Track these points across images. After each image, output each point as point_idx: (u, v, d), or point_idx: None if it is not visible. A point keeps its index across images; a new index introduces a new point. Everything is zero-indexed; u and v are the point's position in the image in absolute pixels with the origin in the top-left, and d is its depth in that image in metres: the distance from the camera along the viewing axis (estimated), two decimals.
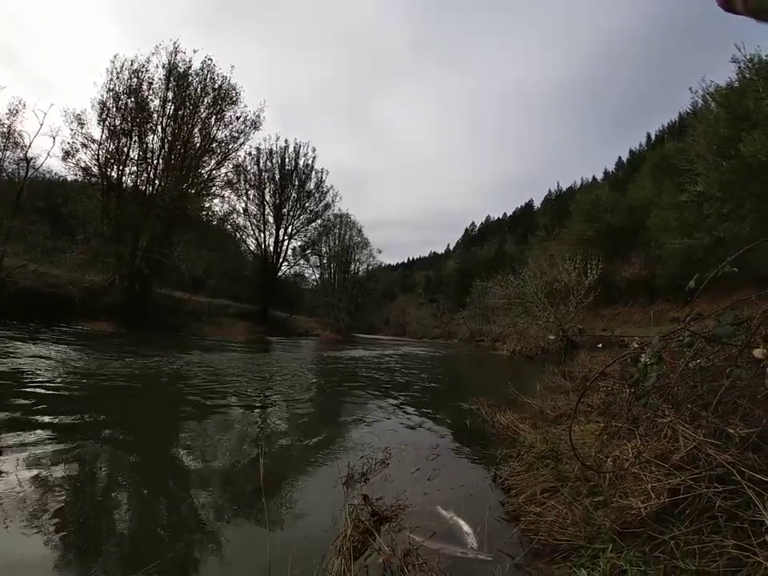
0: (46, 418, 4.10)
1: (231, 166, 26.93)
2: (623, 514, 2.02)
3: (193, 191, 24.16)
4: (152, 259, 20.92)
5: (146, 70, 22.11)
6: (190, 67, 23.05)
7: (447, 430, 4.98)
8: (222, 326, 24.72)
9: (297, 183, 36.30)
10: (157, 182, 22.74)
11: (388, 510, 2.52)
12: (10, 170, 20.42)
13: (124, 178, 22.30)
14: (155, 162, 22.69)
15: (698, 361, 2.43)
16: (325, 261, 48.44)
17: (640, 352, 2.23)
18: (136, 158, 22.35)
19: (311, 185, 36.96)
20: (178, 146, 23.03)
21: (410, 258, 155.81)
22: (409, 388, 8.72)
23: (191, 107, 23.23)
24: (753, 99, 16.13)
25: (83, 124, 21.07)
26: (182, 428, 4.42)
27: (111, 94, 21.60)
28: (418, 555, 2.01)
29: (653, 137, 68.80)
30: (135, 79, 21.85)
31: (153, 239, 21.60)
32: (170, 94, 22.77)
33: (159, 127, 22.64)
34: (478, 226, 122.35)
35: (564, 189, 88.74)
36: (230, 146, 25.44)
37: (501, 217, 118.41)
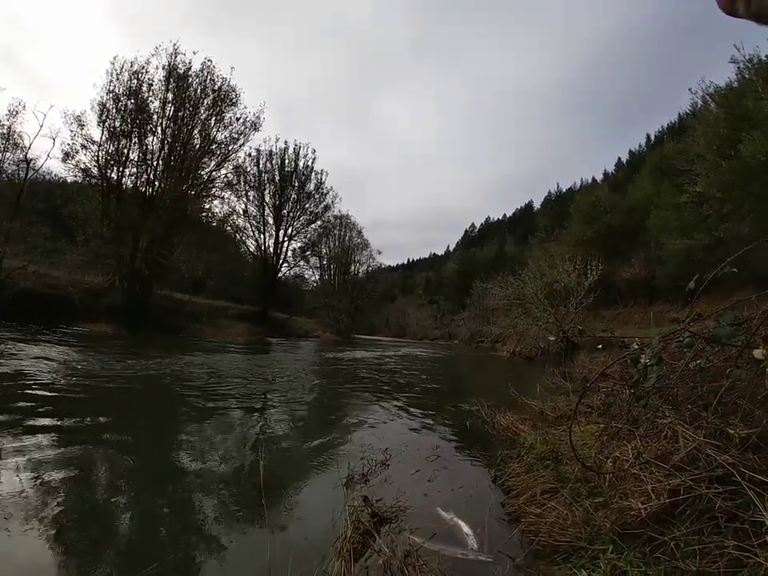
0: (49, 420, 4.10)
1: (231, 168, 26.91)
2: (623, 515, 2.01)
3: (193, 192, 24.16)
4: (152, 260, 20.91)
5: (146, 72, 22.12)
6: (189, 68, 23.07)
7: (447, 431, 4.97)
8: (221, 327, 24.71)
9: (297, 184, 36.31)
10: (157, 183, 22.75)
11: (388, 511, 2.51)
12: (9, 172, 20.50)
13: (124, 179, 22.32)
14: (155, 163, 22.69)
15: (698, 361, 2.43)
16: (325, 262, 48.47)
17: (640, 353, 2.23)
18: (136, 159, 22.37)
19: (311, 186, 36.99)
20: (178, 148, 23.03)
21: (410, 260, 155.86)
22: (409, 389, 8.71)
23: (191, 108, 23.23)
24: (752, 99, 16.15)
25: (83, 125, 21.10)
26: (183, 430, 4.42)
27: (111, 95, 21.62)
28: (419, 557, 2.01)
29: (652, 137, 68.75)
30: (135, 81, 21.87)
31: (153, 240, 21.58)
32: (170, 96, 22.78)
33: (159, 128, 22.65)
34: (477, 227, 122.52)
35: (564, 190, 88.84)
36: (230, 148, 25.45)
37: (500, 218, 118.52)
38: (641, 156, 57.09)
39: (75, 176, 21.93)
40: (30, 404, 4.57)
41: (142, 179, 22.61)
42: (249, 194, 35.12)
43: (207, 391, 6.44)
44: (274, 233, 36.14)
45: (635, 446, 2.55)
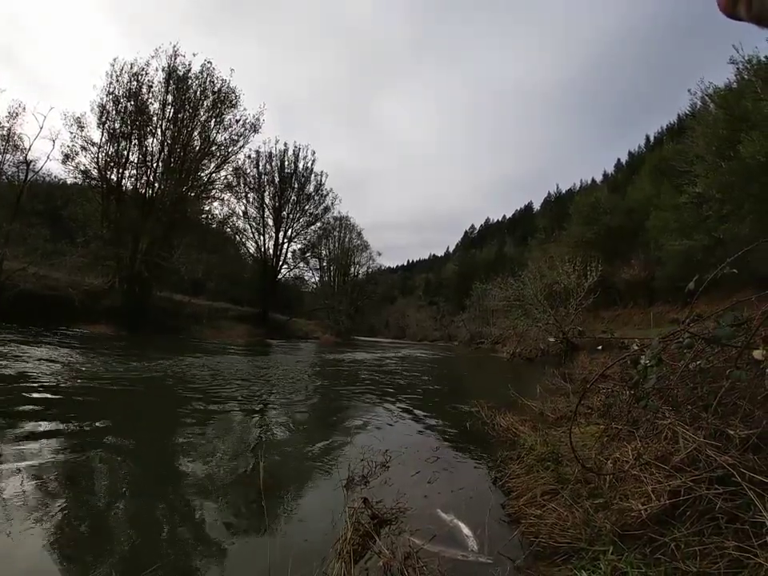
0: (53, 422, 4.10)
1: (231, 169, 26.99)
2: (624, 516, 2.01)
3: (192, 194, 24.20)
4: (152, 262, 20.93)
5: (146, 73, 22.22)
6: (189, 70, 23.14)
7: (447, 433, 4.97)
8: (221, 328, 24.71)
9: (296, 186, 36.38)
10: (156, 184, 22.79)
11: (388, 512, 2.51)
12: (9, 173, 20.55)
13: (124, 180, 22.38)
14: (155, 165, 22.74)
15: (698, 362, 2.43)
16: (324, 263, 48.50)
17: (640, 354, 2.23)
18: (136, 161, 22.43)
19: (311, 188, 37.06)
20: (178, 149, 23.07)
21: (410, 261, 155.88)
22: (409, 390, 8.70)
23: (191, 110, 23.28)
24: (751, 100, 16.16)
25: (83, 127, 21.16)
26: (184, 432, 4.41)
27: (111, 97, 21.70)
28: (419, 558, 2.01)
29: (651, 138, 68.90)
30: (135, 82, 21.94)
31: (153, 242, 21.61)
32: (170, 97, 22.84)
33: (159, 130, 22.71)
34: (477, 228, 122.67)
35: (563, 191, 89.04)
36: (230, 149, 25.52)
37: (500, 219, 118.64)
38: (640, 157, 57.18)
39: (75, 178, 22.01)
40: (34, 407, 4.59)
41: (142, 181, 22.67)
42: (248, 195, 35.23)
43: (209, 393, 6.43)
44: (273, 234, 36.25)
45: (635, 447, 2.55)
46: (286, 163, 36.23)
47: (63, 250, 19.77)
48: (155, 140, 22.71)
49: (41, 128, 19.69)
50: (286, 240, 36.60)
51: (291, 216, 36.44)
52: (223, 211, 28.87)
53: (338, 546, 2.12)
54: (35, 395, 5.11)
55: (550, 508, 2.39)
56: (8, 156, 20.20)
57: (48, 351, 9.13)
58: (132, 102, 21.85)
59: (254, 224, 35.57)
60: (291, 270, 39.26)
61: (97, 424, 4.19)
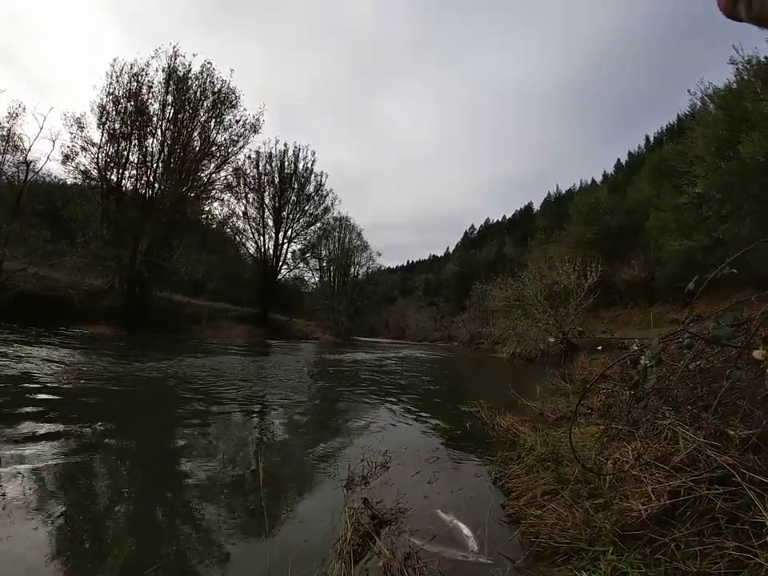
0: (56, 424, 4.10)
1: (231, 170, 27.05)
2: (624, 517, 2.01)
3: (192, 194, 24.21)
4: (152, 262, 20.93)
5: (146, 74, 22.25)
6: (189, 71, 23.17)
7: (447, 433, 4.97)
8: (221, 329, 24.71)
9: (296, 186, 36.40)
10: (156, 185, 22.80)
11: (388, 513, 2.51)
12: (9, 173, 20.55)
13: (124, 181, 22.41)
14: (155, 165, 22.75)
15: (698, 362, 2.43)
16: (324, 264, 48.52)
17: (640, 354, 2.23)
18: (136, 161, 22.45)
19: (311, 188, 37.09)
20: (178, 150, 23.08)
21: (410, 261, 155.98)
22: (409, 391, 8.70)
23: (191, 111, 23.29)
24: (751, 101, 16.17)
25: (83, 127, 21.19)
26: (184, 432, 4.41)
27: (111, 97, 21.72)
28: (419, 559, 2.00)
29: (651, 139, 68.91)
30: (135, 83, 21.97)
31: (152, 242, 21.61)
32: (170, 98, 22.86)
33: (159, 131, 22.73)
34: (477, 228, 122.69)
35: (563, 191, 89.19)
36: (230, 150, 25.56)
37: (500, 219, 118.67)
38: (640, 157, 57.20)
39: (75, 178, 22.05)
40: (37, 407, 4.59)
41: (142, 181, 22.69)
42: (248, 196, 35.26)
43: (210, 394, 6.43)
44: (273, 235, 36.27)
45: (635, 448, 2.55)
46: (286, 163, 36.29)
47: (63, 251, 19.78)
48: (155, 140, 22.77)
49: (41, 128, 19.75)
50: (285, 240, 36.67)
51: (291, 216, 36.49)
52: (223, 211, 28.96)
53: (337, 546, 2.12)
54: (39, 396, 5.12)
55: (550, 508, 2.39)
56: (8, 156, 20.25)
57: (49, 351, 9.14)
58: (132, 103, 21.87)
59: (253, 224, 35.65)
60: (291, 270, 39.37)
61: (98, 425, 4.19)
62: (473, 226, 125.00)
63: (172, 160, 23.00)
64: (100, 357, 9.33)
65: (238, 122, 25.16)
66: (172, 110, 22.93)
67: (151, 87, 22.30)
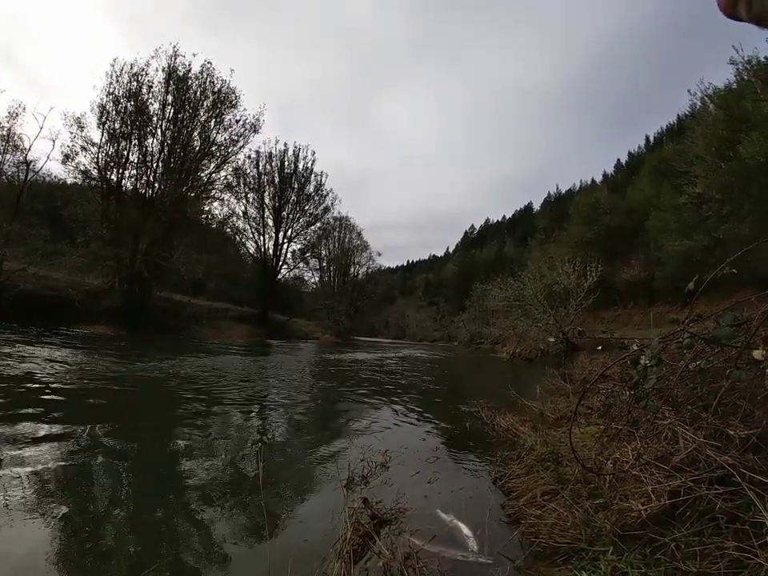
0: (57, 422, 4.11)
1: (231, 170, 27.03)
2: (624, 517, 2.01)
3: (192, 194, 24.21)
4: (152, 262, 20.93)
5: (146, 74, 22.25)
6: (189, 70, 23.16)
7: (447, 433, 4.97)
8: (221, 329, 24.71)
9: (296, 186, 36.40)
10: (156, 185, 22.80)
11: (388, 513, 2.51)
12: (9, 173, 20.56)
13: (124, 181, 22.40)
14: (155, 165, 22.75)
15: (698, 362, 2.43)
16: (324, 264, 48.54)
17: (640, 354, 2.23)
18: (136, 161, 22.45)
19: (311, 188, 37.09)
20: (178, 150, 23.08)
21: (410, 261, 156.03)
22: (409, 390, 8.70)
23: (191, 110, 23.29)
24: (751, 101, 16.17)
25: (83, 127, 21.19)
26: (185, 432, 4.41)
27: (111, 97, 21.72)
28: (418, 559, 2.00)
29: (651, 139, 68.88)
30: (135, 83, 21.96)
31: (152, 242, 21.61)
32: (170, 98, 22.86)
33: (159, 130, 22.73)
34: (477, 228, 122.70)
35: (563, 191, 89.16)
36: (230, 150, 25.55)
37: (500, 219, 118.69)
38: (640, 157, 57.19)
39: (75, 178, 22.05)
40: (41, 407, 4.59)
41: (142, 181, 22.69)
42: (248, 195, 35.26)
43: (212, 394, 6.44)
44: (273, 235, 36.27)
45: (635, 448, 2.55)
46: (286, 163, 36.29)
47: (63, 251, 19.78)
48: (155, 140, 22.77)
49: (41, 128, 19.76)
50: (285, 240, 36.67)
51: (291, 216, 36.49)
52: (223, 211, 28.93)
53: (337, 546, 2.12)
54: (43, 396, 5.13)
55: (550, 508, 2.39)
56: (8, 156, 20.27)
57: (51, 351, 9.17)
58: (132, 103, 21.86)
59: (253, 224, 35.66)
60: (291, 270, 39.36)
61: (100, 425, 4.19)
62: (473, 225, 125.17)
63: (172, 160, 23.00)
64: (102, 357, 9.36)
65: (237, 121, 25.20)
66: (172, 110, 22.94)
67: (151, 87, 22.32)
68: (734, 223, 16.64)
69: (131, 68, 21.98)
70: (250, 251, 36.67)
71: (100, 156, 21.49)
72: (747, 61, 17.21)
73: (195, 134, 23.71)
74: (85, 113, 21.49)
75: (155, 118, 22.57)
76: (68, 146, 20.88)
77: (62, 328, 15.01)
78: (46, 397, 5.09)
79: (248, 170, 34.28)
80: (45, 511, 2.37)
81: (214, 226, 28.87)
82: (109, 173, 21.88)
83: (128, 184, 22.62)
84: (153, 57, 22.38)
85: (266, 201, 35.91)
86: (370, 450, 3.88)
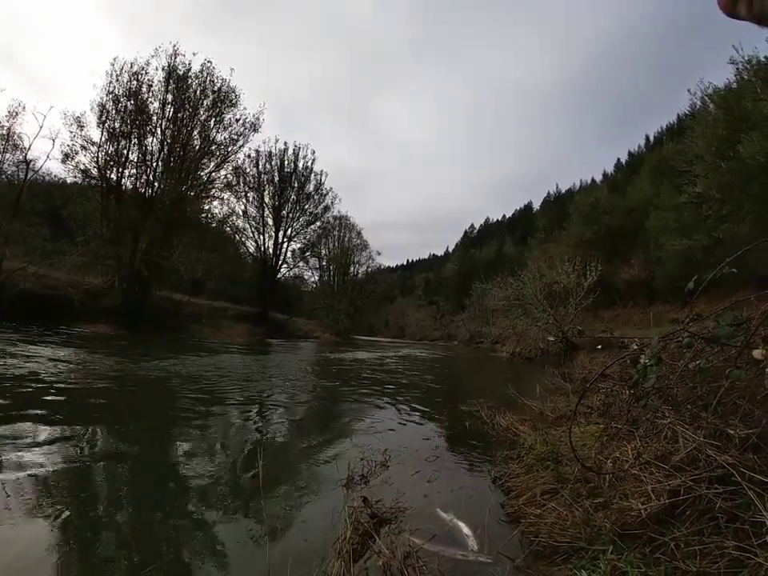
0: (60, 422, 4.12)
1: (230, 169, 26.97)
2: (623, 516, 2.01)
3: (192, 193, 24.18)
4: (151, 261, 20.92)
5: (146, 73, 22.21)
6: (189, 69, 23.12)
7: (447, 432, 4.97)
8: (221, 328, 24.71)
9: (296, 185, 36.36)
10: (156, 184, 22.78)
11: (388, 512, 2.51)
12: (9, 172, 20.53)
13: (123, 180, 22.37)
14: (154, 164, 22.72)
15: (698, 362, 2.43)
16: (324, 263, 48.55)
17: (639, 353, 2.23)
18: (135, 160, 22.42)
19: (310, 187, 37.05)
20: (178, 149, 23.06)
21: (410, 260, 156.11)
22: (409, 389, 8.71)
23: (190, 110, 23.26)
24: (751, 101, 16.15)
25: (83, 126, 21.15)
26: (185, 431, 4.41)
27: (111, 96, 21.68)
28: (418, 558, 2.01)
29: (651, 138, 68.86)
30: (135, 82, 21.92)
31: (152, 241, 21.60)
32: (170, 97, 22.82)
33: (158, 130, 22.69)
34: (477, 228, 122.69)
35: (563, 190, 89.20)
36: (230, 149, 25.52)
37: (500, 219, 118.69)
38: (640, 157, 57.16)
39: (75, 177, 22.03)
40: (45, 408, 4.58)
41: (142, 180, 22.66)
42: (248, 194, 35.20)
43: (214, 394, 6.45)
44: (273, 234, 36.23)
45: (635, 447, 2.55)
46: (286, 162, 36.25)
47: (63, 250, 19.75)
48: (155, 139, 22.73)
49: (40, 127, 19.74)
50: (285, 239, 36.63)
51: (291, 215, 36.45)
52: (223, 210, 28.90)
53: (337, 545, 2.12)
54: (48, 397, 5.12)
55: (550, 507, 2.39)
56: (8, 155, 20.23)
57: (54, 351, 9.18)
58: (132, 102, 21.83)
59: (253, 223, 35.61)
60: (291, 269, 39.30)
61: (102, 425, 4.21)
62: (473, 225, 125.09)
63: (172, 159, 22.97)
64: (105, 356, 9.39)
65: (237, 120, 25.17)
66: (172, 109, 22.90)
67: (151, 86, 22.28)
68: (734, 223, 16.63)
69: (131, 67, 21.97)
70: (250, 250, 36.69)
71: (100, 155, 21.49)
72: (747, 60, 17.18)
73: (195, 132, 23.70)
74: (85, 112, 21.47)
75: (155, 117, 22.55)
76: (68, 145, 20.88)
77: (62, 327, 15.00)
78: (50, 397, 5.08)
79: (248, 169, 34.27)
80: (45, 512, 2.37)
81: (213, 225, 28.84)
82: (108, 172, 21.87)
83: (128, 183, 22.62)
84: (153, 56, 22.39)
85: (266, 200, 35.91)
86: (369, 449, 3.88)
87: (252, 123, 25.81)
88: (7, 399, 4.79)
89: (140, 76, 22.00)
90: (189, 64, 23.08)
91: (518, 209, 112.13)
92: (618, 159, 78.26)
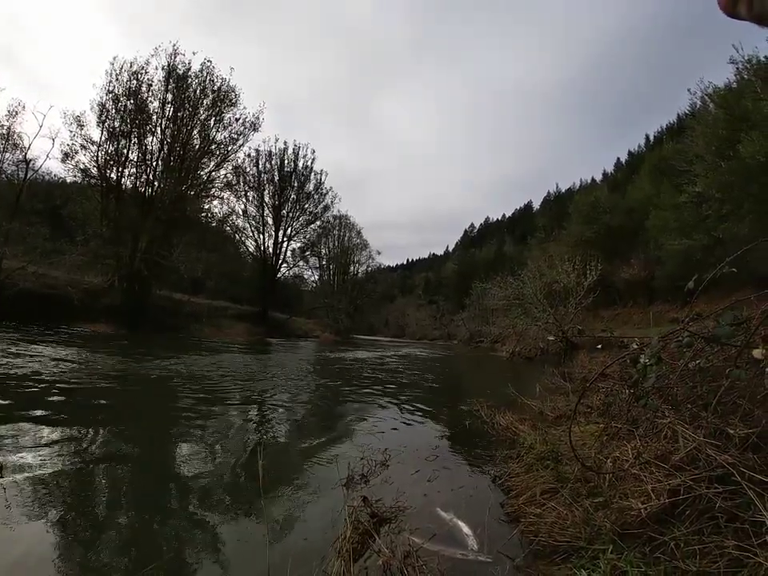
0: (64, 424, 4.12)
1: (230, 168, 26.95)
2: (623, 515, 2.01)
3: (192, 193, 24.16)
4: (151, 261, 20.90)
5: (146, 72, 22.18)
6: (189, 69, 23.11)
7: (447, 432, 4.97)
8: (221, 327, 24.70)
9: (296, 185, 36.35)
10: (156, 183, 22.76)
11: (388, 511, 2.51)
12: (9, 172, 20.52)
13: (123, 179, 22.36)
14: (154, 163, 22.71)
15: (698, 361, 2.43)
16: (324, 262, 48.51)
17: (639, 353, 2.23)
18: (135, 159, 22.41)
19: (310, 186, 37.05)
20: (177, 148, 23.04)
21: (410, 260, 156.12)
22: (409, 389, 8.71)
23: (190, 109, 23.24)
24: (751, 100, 16.14)
25: (82, 126, 21.14)
26: (186, 431, 4.41)
27: (110, 95, 21.66)
28: (418, 557, 2.01)
29: (651, 138, 68.73)
30: (134, 81, 21.91)
31: (152, 241, 21.58)
32: (170, 96, 22.80)
33: (158, 129, 22.68)
34: (477, 227, 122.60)
35: (563, 190, 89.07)
36: (229, 148, 25.50)
37: (500, 218, 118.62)
38: (640, 156, 57.07)
39: (74, 176, 22.01)
40: (48, 408, 4.59)
41: (142, 179, 22.66)
42: (248, 194, 35.21)
43: (216, 393, 6.45)
44: (273, 233, 36.22)
45: (635, 446, 2.55)
46: (286, 162, 36.24)
47: (63, 249, 19.74)
48: (155, 138, 22.72)
49: (40, 126, 19.74)
50: (285, 238, 36.62)
51: (291, 214, 36.45)
52: (223, 210, 28.89)
53: (337, 544, 2.12)
54: (51, 398, 5.12)
55: (550, 507, 2.39)
56: (7, 155, 20.21)
57: (56, 350, 9.20)
58: (132, 101, 21.82)
59: (253, 222, 35.62)
60: (291, 268, 39.26)
61: (103, 425, 4.21)
62: (472, 224, 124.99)
63: (172, 158, 22.96)
64: (108, 355, 9.43)
65: (237, 120, 25.15)
66: (172, 108, 22.88)
67: (151, 85, 22.27)
68: (734, 222, 16.63)
69: (131, 66, 21.96)
70: (250, 249, 36.69)
71: (100, 154, 21.47)
72: (747, 60, 17.17)
73: (195, 132, 23.69)
74: (84, 111, 21.45)
75: (155, 117, 22.54)
76: (68, 145, 20.86)
77: (62, 326, 15.00)
78: (53, 398, 5.08)
79: (248, 169, 34.28)
80: (46, 512, 2.37)
81: (213, 224, 28.81)
82: (108, 171, 21.85)
83: (128, 182, 22.61)
84: (152, 55, 22.36)
85: (266, 199, 35.91)
86: (369, 448, 3.89)
87: (252, 122, 25.84)
88: (11, 399, 4.80)
89: (140, 75, 22.01)
90: (189, 63, 23.10)
91: (518, 208, 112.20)
92: (618, 159, 78.17)
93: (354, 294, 48.70)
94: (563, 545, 2.05)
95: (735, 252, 2.07)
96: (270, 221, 36.03)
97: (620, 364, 3.21)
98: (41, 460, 3.08)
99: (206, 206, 26.42)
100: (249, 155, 33.27)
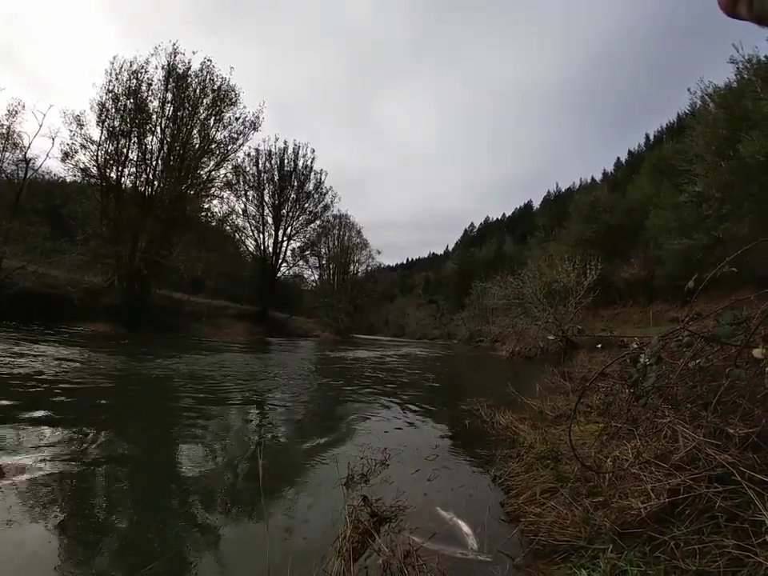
0: (64, 421, 4.12)
1: (230, 167, 26.99)
2: (623, 515, 2.01)
3: (192, 192, 24.15)
4: (151, 260, 20.90)
5: (145, 71, 22.18)
6: (189, 68, 23.09)
7: (447, 431, 4.97)
8: (221, 327, 24.70)
9: (296, 184, 36.34)
10: (156, 182, 22.75)
11: (388, 510, 2.51)
12: (9, 171, 20.50)
13: (123, 178, 22.35)
14: (154, 163, 22.70)
15: (698, 361, 2.43)
16: (324, 262, 48.53)
17: (639, 352, 2.23)
18: (135, 159, 22.39)
19: (310, 186, 37.04)
20: (177, 147, 23.03)
21: (409, 259, 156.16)
22: (410, 388, 8.71)
23: (190, 108, 23.23)
24: (751, 100, 16.15)
25: (82, 125, 21.13)
26: (186, 430, 4.42)
27: (110, 95, 21.65)
28: (418, 556, 2.01)
29: (651, 138, 68.67)
30: (134, 80, 21.90)
31: (152, 240, 21.57)
32: (169, 95, 22.79)
33: (158, 128, 22.67)
34: (476, 227, 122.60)
35: (563, 189, 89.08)
36: (229, 147, 25.50)
37: (500, 218, 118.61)
38: (640, 156, 57.02)
39: (74, 176, 22.03)
40: (51, 409, 4.59)
41: (141, 179, 22.65)
42: (248, 193, 35.21)
43: (218, 393, 6.45)
44: (273, 232, 36.22)
45: (635, 446, 2.55)
46: (286, 161, 36.22)
47: (62, 248, 19.72)
48: (155, 138, 22.71)
49: (40, 126, 19.73)
50: (285, 238, 36.62)
51: (291, 214, 36.44)
52: (222, 209, 28.90)
53: (337, 543, 2.12)
54: (53, 398, 5.12)
55: (550, 506, 2.39)
56: (7, 154, 20.18)
57: (58, 350, 9.21)
58: (131, 100, 21.80)
59: (253, 222, 35.62)
60: (290, 268, 39.24)
61: (104, 425, 4.21)
62: (472, 224, 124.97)
63: (171, 157, 22.95)
64: (110, 355, 9.44)
65: (237, 119, 25.15)
66: (171, 108, 22.87)
67: (151, 85, 22.25)
68: (734, 222, 16.63)
69: (131, 66, 21.95)
70: (250, 249, 36.70)
71: (99, 154, 21.47)
72: (747, 60, 17.18)
73: (195, 131, 23.68)
74: (84, 111, 21.43)
75: (155, 116, 22.52)
76: (67, 144, 20.85)
77: (62, 326, 15.00)
78: (55, 398, 5.08)
79: (248, 168, 34.29)
80: (46, 512, 2.38)
81: (213, 223, 28.80)
82: (108, 170, 21.85)
83: (127, 182, 22.61)
84: (152, 54, 22.35)
85: (266, 198, 35.90)
86: (369, 447, 3.89)
87: (252, 122, 25.84)
88: (16, 399, 4.80)
89: (139, 75, 22.00)
90: (188, 63, 23.08)
91: (518, 208, 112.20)
92: (618, 158, 78.16)
93: (353, 293, 48.70)
94: (563, 544, 2.05)
95: (735, 251, 2.07)
96: (270, 220, 36.07)
97: (620, 363, 3.21)
98: (43, 459, 3.08)
99: (206, 206, 26.46)
100: (249, 155, 33.38)
